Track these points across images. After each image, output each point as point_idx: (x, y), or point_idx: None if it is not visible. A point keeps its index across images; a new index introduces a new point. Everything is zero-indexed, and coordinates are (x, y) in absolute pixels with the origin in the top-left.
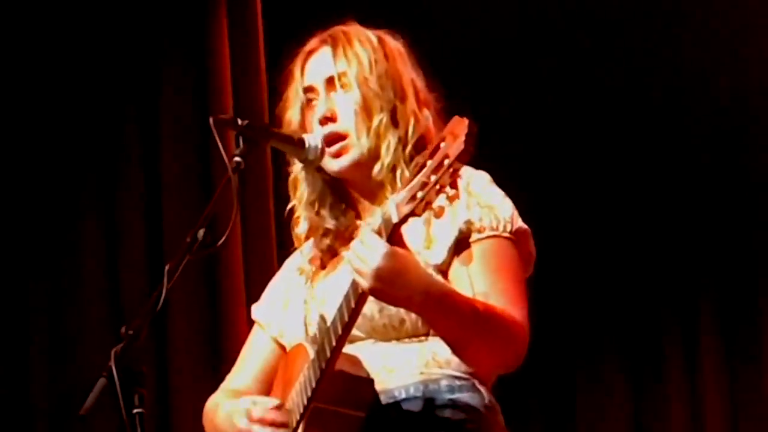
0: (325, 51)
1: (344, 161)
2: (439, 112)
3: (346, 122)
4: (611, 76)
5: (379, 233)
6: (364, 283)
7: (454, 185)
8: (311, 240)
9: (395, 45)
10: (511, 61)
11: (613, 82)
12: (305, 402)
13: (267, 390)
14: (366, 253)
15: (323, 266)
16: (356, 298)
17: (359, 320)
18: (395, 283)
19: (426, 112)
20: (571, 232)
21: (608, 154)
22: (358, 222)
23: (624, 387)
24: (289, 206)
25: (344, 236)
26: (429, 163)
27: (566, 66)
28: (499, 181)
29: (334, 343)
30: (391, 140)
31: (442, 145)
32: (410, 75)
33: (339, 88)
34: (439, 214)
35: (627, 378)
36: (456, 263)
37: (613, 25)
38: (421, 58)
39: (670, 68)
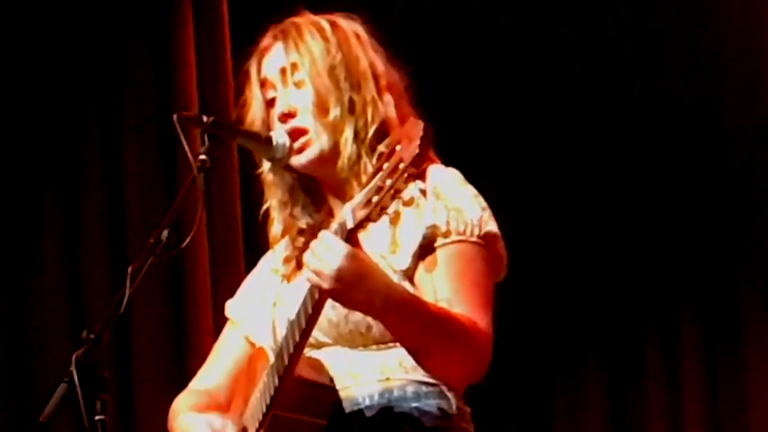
0: (279, 47)
1: (307, 155)
2: (404, 93)
3: (305, 119)
4: (592, 76)
5: None
6: (323, 284)
7: (421, 181)
8: (285, 239)
9: (351, 28)
10: (488, 56)
11: (594, 82)
12: (264, 410)
13: (235, 390)
14: (325, 253)
15: (299, 266)
16: (313, 303)
17: (325, 326)
18: (355, 286)
19: (387, 96)
20: (552, 240)
21: (596, 157)
22: (332, 219)
23: (603, 399)
24: (263, 208)
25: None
26: (385, 166)
27: (545, 62)
28: (478, 185)
29: (291, 351)
30: (348, 134)
31: (398, 148)
32: (368, 58)
33: (292, 84)
34: (395, 220)
35: (606, 390)
36: (421, 268)
37: (595, 20)
38: (386, 41)
39: (653, 70)
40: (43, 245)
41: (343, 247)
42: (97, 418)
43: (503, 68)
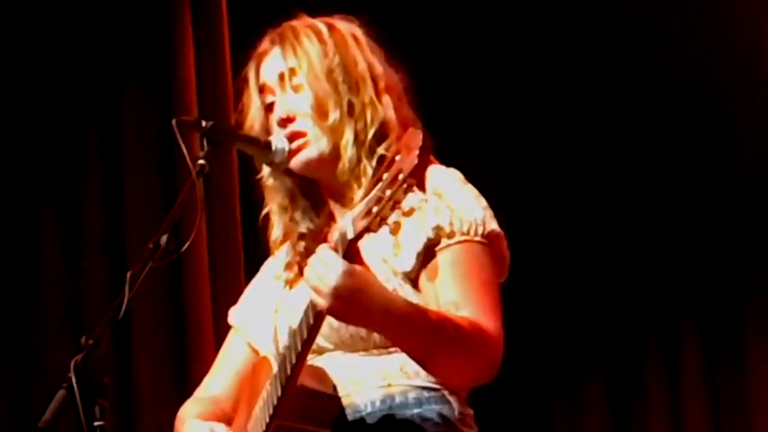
0: (276, 52)
1: (303, 157)
2: (404, 94)
3: (304, 123)
4: (595, 79)
5: (335, 249)
6: (322, 302)
7: (421, 188)
8: (286, 244)
9: (348, 30)
10: (491, 57)
11: (597, 87)
12: (267, 419)
13: (240, 396)
14: (323, 270)
15: (301, 272)
16: (314, 315)
17: (327, 331)
18: (354, 302)
19: (386, 98)
20: (554, 246)
21: (597, 167)
22: (333, 223)
23: (604, 406)
24: (263, 213)
25: (320, 238)
26: (385, 176)
27: (547, 63)
28: (479, 190)
29: (294, 361)
30: (348, 137)
31: (397, 158)
32: (366, 60)
33: (290, 89)
34: (395, 230)
35: (608, 397)
36: (425, 271)
37: (594, 19)
38: (386, 45)
39: (656, 74)
40: (42, 250)
41: (340, 264)
42: (96, 423)
43: (506, 69)
